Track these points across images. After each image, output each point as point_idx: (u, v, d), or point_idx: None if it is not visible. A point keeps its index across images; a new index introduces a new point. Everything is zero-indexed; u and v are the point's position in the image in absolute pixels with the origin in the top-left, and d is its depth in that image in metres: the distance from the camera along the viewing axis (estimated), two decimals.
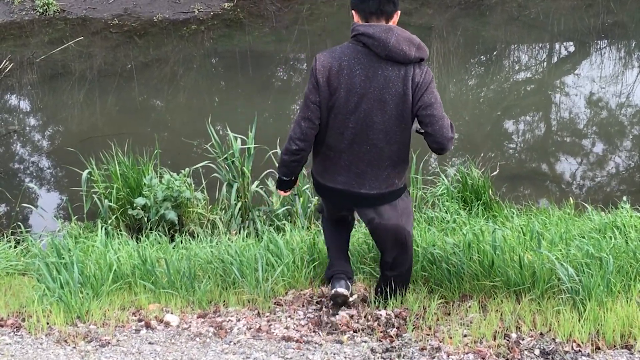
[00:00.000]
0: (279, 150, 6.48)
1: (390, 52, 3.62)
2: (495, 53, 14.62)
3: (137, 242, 6.14)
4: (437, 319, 4.13)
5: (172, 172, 6.77)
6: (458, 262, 4.47)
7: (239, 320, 4.18)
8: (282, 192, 4.33)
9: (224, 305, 4.48)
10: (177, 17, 15.61)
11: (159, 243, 5.86)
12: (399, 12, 3.73)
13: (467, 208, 6.49)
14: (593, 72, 12.99)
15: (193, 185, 6.94)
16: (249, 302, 4.48)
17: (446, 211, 6.26)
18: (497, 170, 6.98)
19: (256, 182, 6.64)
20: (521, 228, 4.89)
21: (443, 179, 6.68)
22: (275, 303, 4.47)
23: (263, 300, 4.42)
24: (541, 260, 4.28)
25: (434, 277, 4.56)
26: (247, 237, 6.08)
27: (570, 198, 6.62)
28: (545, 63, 14.40)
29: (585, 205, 6.45)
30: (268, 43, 14.95)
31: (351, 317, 4.16)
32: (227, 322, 4.16)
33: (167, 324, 4.14)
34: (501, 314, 4.07)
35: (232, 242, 5.30)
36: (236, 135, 6.39)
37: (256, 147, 6.45)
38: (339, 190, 3.95)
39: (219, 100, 12.15)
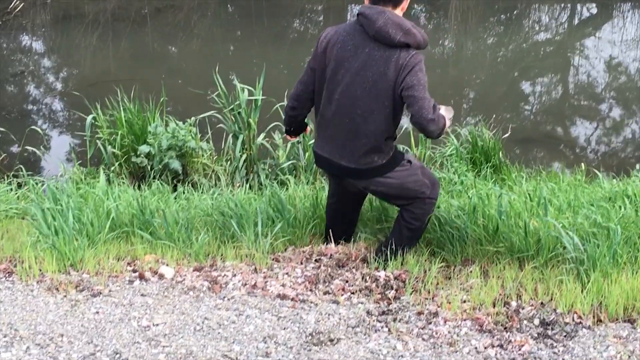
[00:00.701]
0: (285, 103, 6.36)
1: (376, 33, 3.80)
2: (515, 12, 14.34)
3: (138, 190, 6.08)
4: (437, 283, 4.04)
5: (179, 121, 6.66)
6: (462, 226, 4.36)
7: (234, 275, 4.10)
8: (288, 137, 4.61)
9: (221, 259, 4.40)
10: None
11: (161, 192, 5.78)
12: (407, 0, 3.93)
13: (476, 170, 6.37)
14: (614, 36, 12.74)
15: (199, 135, 6.84)
16: (247, 257, 4.39)
17: (454, 172, 6.14)
18: (509, 132, 6.84)
19: (262, 135, 6.53)
20: (528, 194, 4.75)
21: (452, 139, 6.53)
22: (273, 259, 4.38)
23: (261, 256, 4.33)
24: (547, 228, 4.16)
25: (437, 240, 4.46)
26: (250, 190, 6.00)
27: (582, 164, 6.48)
28: (566, 24, 14.12)
29: (597, 172, 6.32)
30: None
31: (346, 282, 4.06)
32: (223, 277, 4.07)
33: (162, 276, 4.06)
34: (502, 281, 3.97)
35: (233, 194, 5.21)
36: (243, 86, 6.25)
37: (263, 98, 6.32)
38: (325, 158, 4.14)
39: (232, 49, 11.98)
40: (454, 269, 4.22)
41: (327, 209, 4.66)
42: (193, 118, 6.64)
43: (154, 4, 13.42)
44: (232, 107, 6.27)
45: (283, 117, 4.43)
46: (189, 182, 6.47)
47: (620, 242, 3.90)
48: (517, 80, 10.85)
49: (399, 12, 3.90)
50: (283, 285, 4.00)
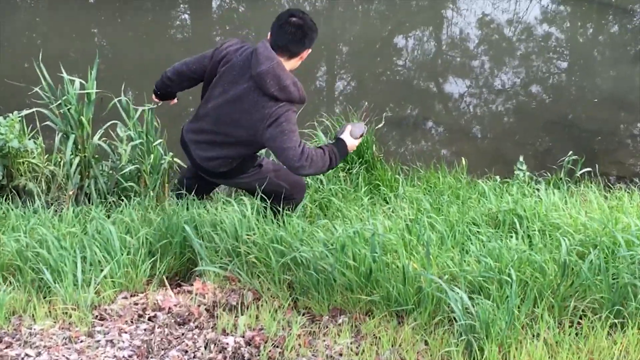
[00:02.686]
0: (123, 98, 5.38)
1: (256, 76, 3.93)
2: None
3: None
4: (300, 346, 3.28)
5: None
6: (329, 269, 3.60)
7: (39, 354, 3.19)
8: (154, 97, 4.70)
9: (32, 318, 3.49)
10: None
11: None
12: (308, 50, 4.07)
13: (348, 168, 5.64)
14: None
15: (27, 132, 5.79)
16: (64, 314, 3.50)
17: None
18: (383, 122, 6.10)
19: (99, 133, 5.54)
20: (407, 224, 4.02)
21: (319, 134, 5.75)
22: (97, 317, 3.51)
23: (80, 315, 3.45)
24: (429, 276, 3.44)
25: (300, 283, 3.69)
26: (85, 204, 5.07)
27: (463, 159, 5.82)
28: None
29: (478, 169, 5.74)
30: None
31: (185, 352, 3.24)
32: (22, 358, 3.16)
33: None
34: (378, 346, 3.25)
35: (53, 223, 4.26)
36: (72, 78, 5.23)
37: (98, 92, 5.32)
38: (185, 142, 4.38)
39: (61, 21, 10.61)
40: (320, 323, 3.48)
41: (181, 181, 4.76)
42: (16, 112, 5.57)
43: None
44: (59, 102, 5.24)
45: (156, 81, 4.55)
46: (11, 190, 5.45)
47: (516, 297, 3.22)
48: (387, 54, 10.18)
49: (294, 62, 4.06)
50: None
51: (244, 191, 4.78)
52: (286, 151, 3.91)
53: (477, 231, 4.08)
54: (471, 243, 3.83)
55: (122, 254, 3.84)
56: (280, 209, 4.40)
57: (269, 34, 4.02)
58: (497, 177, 5.64)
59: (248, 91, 3.98)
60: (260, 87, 3.93)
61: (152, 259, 3.95)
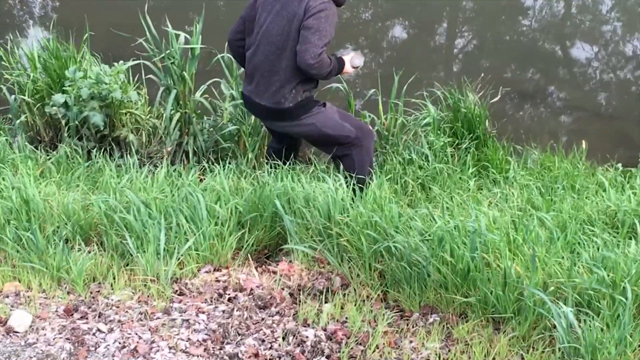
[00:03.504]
0: (227, 55, 5.20)
1: None
2: None
3: (46, 154, 5.01)
4: (384, 346, 3.04)
5: (105, 65, 5.52)
6: (423, 263, 3.33)
7: (111, 330, 3.07)
8: None
9: (111, 287, 3.38)
10: None
11: (68, 162, 4.74)
12: None
13: (457, 143, 5.29)
14: None
15: (132, 82, 5.70)
16: (144, 285, 3.38)
17: (429, 147, 5.08)
18: (499, 96, 5.70)
19: (201, 90, 5.39)
20: (513, 221, 3.67)
21: (428, 105, 5.40)
22: (177, 291, 3.38)
23: (159, 288, 3.32)
24: (534, 278, 3.12)
25: (391, 273, 3.44)
26: (179, 165, 4.95)
27: (583, 142, 5.37)
28: None
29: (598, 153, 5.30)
30: None
31: (262, 342, 3.05)
32: (94, 333, 3.04)
33: (10, 330, 3.02)
34: (469, 355, 2.97)
35: (145, 184, 4.14)
36: (177, 32, 5.07)
37: (202, 47, 5.15)
38: (247, 97, 4.36)
39: None
40: (409, 320, 3.23)
41: (269, 152, 4.79)
42: (121, 62, 5.48)
43: None
44: (162, 56, 5.10)
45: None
46: (112, 141, 5.39)
47: (630, 320, 2.86)
48: (515, 28, 9.62)
49: None
50: (173, 351, 2.98)
51: (336, 165, 4.53)
52: (310, 45, 3.98)
53: (592, 231, 3.71)
54: (584, 247, 3.46)
55: (210, 225, 3.68)
56: (361, 166, 4.37)
57: None
58: (619, 165, 5.18)
59: None
60: None
61: (241, 231, 3.77)
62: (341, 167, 4.36)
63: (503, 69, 8.15)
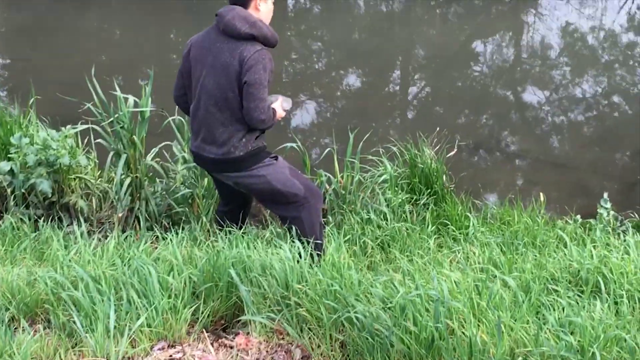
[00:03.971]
0: (178, 117, 5.10)
1: (225, 26, 4.01)
2: None
3: None
4: None
5: (52, 130, 5.38)
6: (385, 333, 3.20)
7: None
8: None
9: None
10: None
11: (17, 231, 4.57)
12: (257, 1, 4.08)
13: (415, 199, 5.23)
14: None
15: (81, 146, 5.56)
16: None
17: (387, 204, 5.01)
18: (455, 150, 5.67)
19: (153, 152, 5.26)
20: (476, 285, 3.57)
21: (385, 162, 5.34)
22: None
23: None
24: (500, 347, 3.02)
25: (353, 344, 3.31)
26: (131, 231, 4.79)
27: (541, 195, 5.33)
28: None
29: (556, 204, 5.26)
30: None
31: None
32: None
33: None
34: None
35: (94, 255, 3.97)
36: (126, 96, 4.95)
37: (152, 110, 5.04)
38: (195, 152, 4.29)
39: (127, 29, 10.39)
40: None
41: (219, 215, 4.67)
42: (69, 127, 5.34)
43: None
44: (110, 120, 4.97)
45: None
46: (60, 209, 5.22)
47: None
48: (466, 78, 9.68)
49: (251, 10, 4.08)
50: None
51: (288, 229, 4.38)
52: (259, 101, 3.97)
53: (556, 291, 3.63)
54: (549, 310, 3.37)
55: (163, 298, 3.52)
56: (310, 228, 4.30)
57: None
58: (578, 217, 5.15)
59: (222, 45, 4.02)
60: (232, 35, 3.99)
61: (196, 302, 3.62)
62: (294, 229, 4.26)
63: (458, 118, 8.17)
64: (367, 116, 7.96)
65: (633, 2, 12.29)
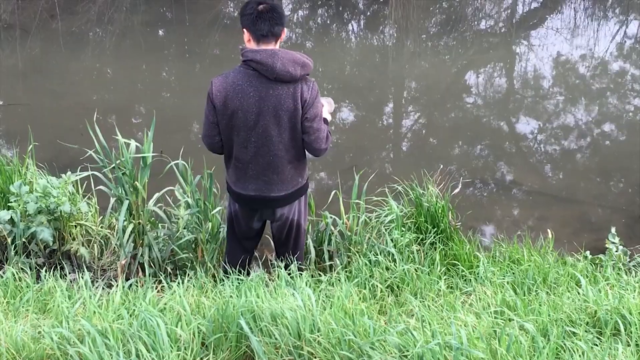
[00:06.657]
0: (181, 162, 5.03)
1: (278, 75, 3.94)
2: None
3: None
4: None
5: (52, 177, 5.32)
6: None
7: None
8: None
9: None
10: None
11: (19, 281, 4.46)
12: (285, 29, 4.06)
13: (421, 238, 5.16)
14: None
15: (81, 192, 5.49)
16: None
17: (394, 245, 4.94)
18: (459, 187, 5.62)
19: (156, 197, 5.18)
20: (494, 331, 3.49)
21: (390, 202, 5.29)
22: None
23: None
24: None
25: None
26: (135, 279, 4.70)
27: (549, 231, 5.27)
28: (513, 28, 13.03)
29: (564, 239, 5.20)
30: None
31: None
32: None
33: None
34: None
35: (99, 306, 3.88)
36: (128, 140, 4.88)
37: (154, 156, 4.97)
38: (251, 196, 4.28)
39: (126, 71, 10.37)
40: None
41: (231, 260, 4.64)
42: (69, 173, 5.27)
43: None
44: (112, 166, 4.89)
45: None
46: (61, 258, 5.14)
47: None
48: (465, 109, 9.66)
49: (280, 40, 4.08)
50: None
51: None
52: (318, 132, 4.09)
53: (574, 333, 3.55)
54: (570, 353, 3.29)
55: (172, 351, 3.43)
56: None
57: (247, 35, 4.01)
58: (588, 253, 5.09)
59: (278, 92, 3.99)
60: (287, 80, 3.96)
61: (205, 354, 3.53)
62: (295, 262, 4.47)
63: (458, 152, 8.11)
64: (365, 152, 7.91)
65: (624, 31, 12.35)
